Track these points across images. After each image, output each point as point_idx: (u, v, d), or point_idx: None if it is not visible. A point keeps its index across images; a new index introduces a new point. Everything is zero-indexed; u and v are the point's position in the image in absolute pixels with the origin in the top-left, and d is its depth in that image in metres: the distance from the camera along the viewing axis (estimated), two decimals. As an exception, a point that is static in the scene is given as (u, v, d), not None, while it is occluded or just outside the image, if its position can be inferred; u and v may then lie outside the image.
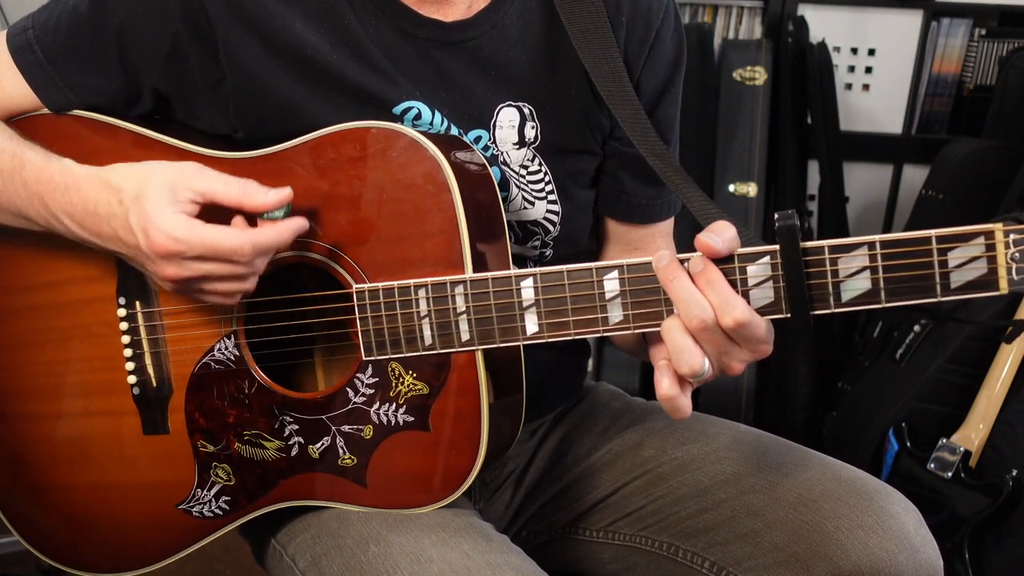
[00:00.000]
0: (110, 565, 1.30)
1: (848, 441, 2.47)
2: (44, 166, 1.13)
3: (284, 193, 1.07)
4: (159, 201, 1.05)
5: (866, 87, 3.03)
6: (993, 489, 2.09)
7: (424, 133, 1.08)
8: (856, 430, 2.45)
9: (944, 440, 2.20)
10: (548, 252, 1.28)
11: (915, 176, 3.04)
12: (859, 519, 1.16)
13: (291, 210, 1.08)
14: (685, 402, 1.01)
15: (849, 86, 3.03)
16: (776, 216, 0.93)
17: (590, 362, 2.42)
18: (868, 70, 3.01)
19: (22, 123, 1.21)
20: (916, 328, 2.44)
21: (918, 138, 3.06)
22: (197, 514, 1.23)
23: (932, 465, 2.18)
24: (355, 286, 1.10)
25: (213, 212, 1.07)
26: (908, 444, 2.27)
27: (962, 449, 2.16)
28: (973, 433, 2.18)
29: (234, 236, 1.04)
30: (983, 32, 2.97)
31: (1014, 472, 2.07)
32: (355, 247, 1.10)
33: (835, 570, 1.15)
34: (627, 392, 1.51)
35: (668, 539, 1.30)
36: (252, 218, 1.08)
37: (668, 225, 1.37)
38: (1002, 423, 2.16)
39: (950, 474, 2.15)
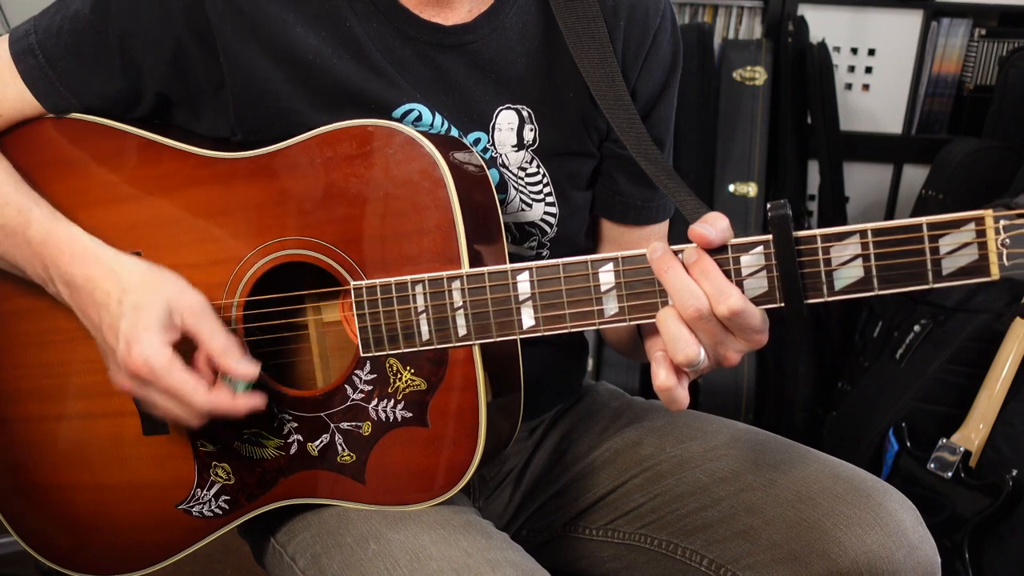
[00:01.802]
0: (110, 566, 1.30)
1: (848, 441, 2.47)
2: (51, 229, 1.15)
3: (252, 371, 1.11)
4: (151, 323, 1.09)
5: (866, 87, 3.04)
6: (993, 489, 2.08)
7: (422, 132, 1.09)
8: (856, 430, 2.45)
9: (944, 440, 2.20)
10: (545, 253, 1.28)
11: (915, 176, 3.05)
12: (857, 516, 1.16)
13: (250, 388, 1.12)
14: (682, 393, 1.01)
15: (849, 86, 3.03)
16: (768, 206, 0.94)
17: (589, 361, 2.42)
18: (868, 70, 3.02)
19: (23, 133, 1.22)
20: (916, 328, 2.44)
21: (918, 138, 3.07)
22: (197, 514, 1.23)
23: (932, 465, 2.18)
24: (353, 283, 1.11)
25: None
26: (908, 444, 2.27)
27: (962, 449, 2.16)
28: (973, 433, 2.17)
29: (200, 394, 1.09)
30: (983, 32, 2.97)
31: (1014, 472, 2.07)
32: (353, 244, 1.11)
33: (833, 567, 1.15)
34: (627, 391, 1.51)
35: (667, 537, 1.30)
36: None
37: (663, 228, 1.37)
38: (1002, 423, 2.16)
39: (950, 474, 2.15)
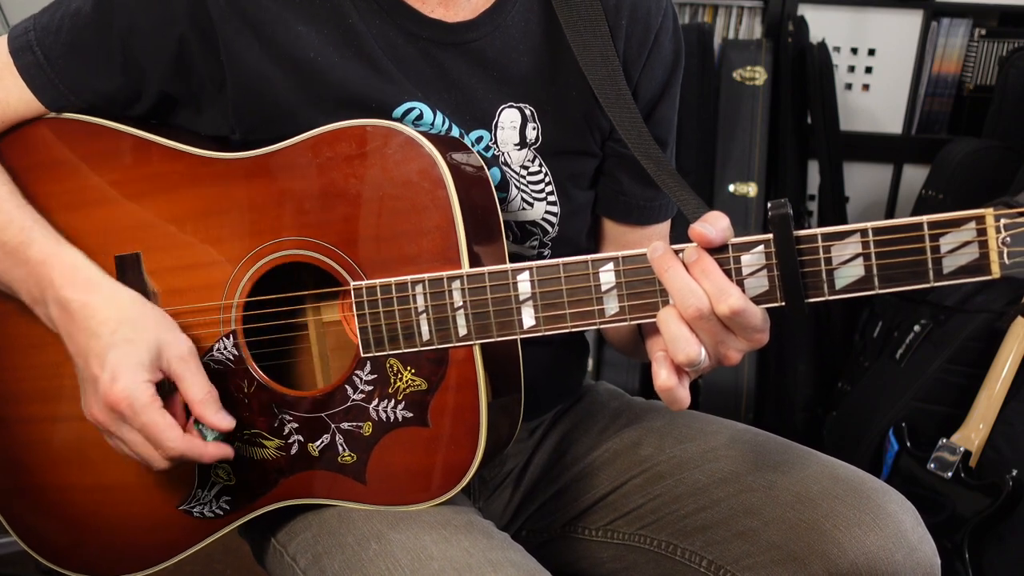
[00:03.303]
0: (110, 567, 1.29)
1: (848, 441, 2.47)
2: (55, 252, 1.16)
3: (227, 423, 1.13)
4: (140, 359, 1.11)
5: (866, 87, 3.04)
6: (993, 489, 2.08)
7: (421, 132, 1.09)
8: (856, 430, 2.45)
9: (944, 440, 2.20)
10: (546, 252, 1.28)
11: (915, 176, 3.05)
12: (856, 517, 1.16)
13: (221, 438, 1.14)
14: (683, 393, 1.01)
15: (849, 86, 3.04)
16: (769, 205, 0.94)
17: (590, 361, 2.42)
18: (868, 70, 3.02)
19: (19, 134, 1.21)
20: (916, 328, 2.44)
21: (918, 138, 3.07)
22: (198, 514, 1.23)
23: (932, 465, 2.18)
24: (353, 283, 1.11)
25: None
26: (908, 444, 2.27)
27: (962, 449, 2.16)
28: (973, 433, 2.17)
29: (174, 437, 1.10)
30: (983, 32, 2.97)
31: (1014, 472, 2.07)
32: (352, 244, 1.10)
33: (832, 568, 1.15)
34: (627, 391, 1.51)
35: (666, 538, 1.30)
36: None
37: (665, 228, 1.37)
38: (1002, 423, 2.16)
39: (950, 474, 2.14)
